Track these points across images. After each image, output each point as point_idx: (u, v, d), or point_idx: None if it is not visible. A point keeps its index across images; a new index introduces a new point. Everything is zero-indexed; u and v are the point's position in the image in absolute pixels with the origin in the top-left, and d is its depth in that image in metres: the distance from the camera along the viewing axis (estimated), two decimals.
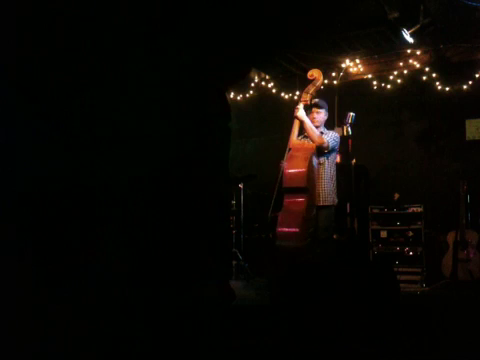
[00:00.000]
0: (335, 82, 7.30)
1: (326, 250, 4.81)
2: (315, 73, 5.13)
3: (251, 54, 1.96)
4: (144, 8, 1.54)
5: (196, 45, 1.65)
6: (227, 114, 1.81)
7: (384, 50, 6.81)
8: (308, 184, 4.75)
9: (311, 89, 5.09)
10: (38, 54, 1.44)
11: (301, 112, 4.96)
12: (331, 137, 5.01)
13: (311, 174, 4.81)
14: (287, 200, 4.78)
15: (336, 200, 5.00)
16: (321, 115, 5.14)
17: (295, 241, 4.58)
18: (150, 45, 1.55)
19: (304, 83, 7.56)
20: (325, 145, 4.92)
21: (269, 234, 5.00)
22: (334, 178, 5.04)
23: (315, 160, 4.89)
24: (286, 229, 4.64)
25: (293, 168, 4.79)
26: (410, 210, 6.31)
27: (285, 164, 4.82)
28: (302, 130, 5.11)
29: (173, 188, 1.58)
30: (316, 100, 5.18)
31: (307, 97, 5.07)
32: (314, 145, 4.91)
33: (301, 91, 5.23)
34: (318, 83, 5.13)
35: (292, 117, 5.08)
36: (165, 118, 1.57)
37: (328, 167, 4.98)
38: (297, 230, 4.60)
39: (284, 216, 4.68)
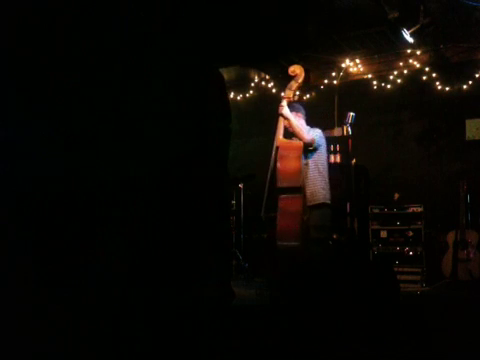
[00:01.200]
0: (335, 82, 7.30)
1: (321, 251, 4.79)
2: (297, 69, 5.07)
3: (252, 54, 1.96)
4: (144, 8, 1.55)
5: (196, 45, 1.65)
6: (228, 115, 1.81)
7: (384, 50, 6.80)
8: (302, 183, 4.76)
9: (294, 85, 5.05)
10: (38, 54, 1.44)
11: (286, 109, 4.92)
12: (315, 134, 4.98)
13: (302, 173, 4.81)
14: (283, 201, 4.76)
15: (327, 197, 4.93)
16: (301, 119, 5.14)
17: (296, 240, 4.58)
18: (150, 45, 1.55)
19: (304, 83, 7.57)
20: (313, 142, 4.89)
21: (263, 234, 5.00)
22: (324, 175, 4.97)
23: (304, 159, 4.90)
24: (286, 229, 4.64)
25: (287, 168, 4.77)
26: (410, 210, 6.31)
27: (278, 164, 4.79)
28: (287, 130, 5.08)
29: (173, 188, 1.58)
30: (293, 104, 5.16)
31: (290, 94, 5.03)
32: (302, 143, 4.86)
33: (284, 88, 5.19)
34: (300, 79, 5.08)
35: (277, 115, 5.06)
36: (165, 118, 1.57)
37: (313, 165, 4.93)
38: (297, 229, 4.61)
39: (283, 216, 4.67)
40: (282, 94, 5.07)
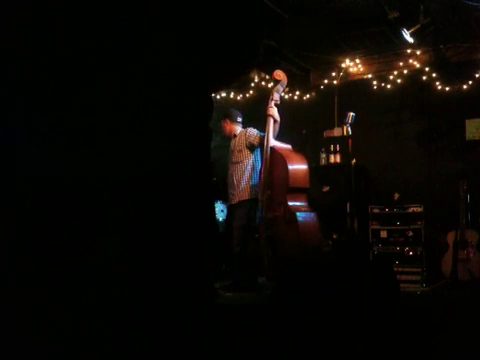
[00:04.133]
0: (335, 82, 7.29)
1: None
2: (282, 74, 5.31)
3: (250, 55, 1.96)
4: (143, 9, 1.55)
5: (195, 46, 1.65)
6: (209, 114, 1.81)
7: (384, 50, 6.80)
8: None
9: (280, 89, 5.28)
10: (38, 54, 1.44)
11: (275, 110, 5.16)
12: None
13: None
14: (294, 201, 4.87)
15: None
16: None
17: (318, 239, 4.75)
18: (149, 46, 1.55)
19: (304, 83, 7.57)
20: None
21: (262, 235, 5.04)
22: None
23: (256, 156, 5.35)
24: (309, 230, 4.77)
25: (300, 170, 4.93)
26: (410, 210, 6.31)
27: (289, 166, 4.89)
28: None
29: (173, 188, 1.58)
30: (232, 110, 5.49)
31: (278, 97, 5.26)
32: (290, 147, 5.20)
33: (272, 90, 5.37)
34: (285, 84, 5.32)
35: (265, 116, 5.26)
36: (165, 118, 1.57)
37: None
38: (318, 229, 4.77)
39: (303, 217, 4.78)
40: (270, 97, 5.28)
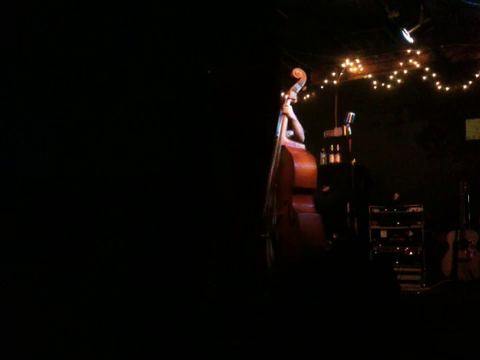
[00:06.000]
0: (335, 82, 7.30)
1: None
2: (301, 72, 5.28)
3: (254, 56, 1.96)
4: (144, 9, 1.55)
5: (196, 47, 1.65)
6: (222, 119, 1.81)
7: (384, 50, 6.80)
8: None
9: (298, 88, 5.26)
10: (39, 55, 1.44)
11: (290, 109, 5.13)
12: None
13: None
14: (300, 201, 4.87)
15: None
16: None
17: (321, 241, 4.74)
18: (150, 46, 1.55)
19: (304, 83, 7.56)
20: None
21: (265, 234, 5.02)
22: None
23: None
24: (312, 230, 4.76)
25: (308, 169, 4.93)
26: (410, 210, 6.31)
27: (295, 164, 4.89)
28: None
29: (173, 188, 1.58)
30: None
31: (295, 96, 5.23)
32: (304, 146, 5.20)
33: (287, 89, 5.32)
34: (304, 82, 5.30)
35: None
36: (165, 120, 1.57)
37: None
38: (323, 229, 4.76)
39: (306, 218, 4.77)
40: (286, 95, 5.21)
